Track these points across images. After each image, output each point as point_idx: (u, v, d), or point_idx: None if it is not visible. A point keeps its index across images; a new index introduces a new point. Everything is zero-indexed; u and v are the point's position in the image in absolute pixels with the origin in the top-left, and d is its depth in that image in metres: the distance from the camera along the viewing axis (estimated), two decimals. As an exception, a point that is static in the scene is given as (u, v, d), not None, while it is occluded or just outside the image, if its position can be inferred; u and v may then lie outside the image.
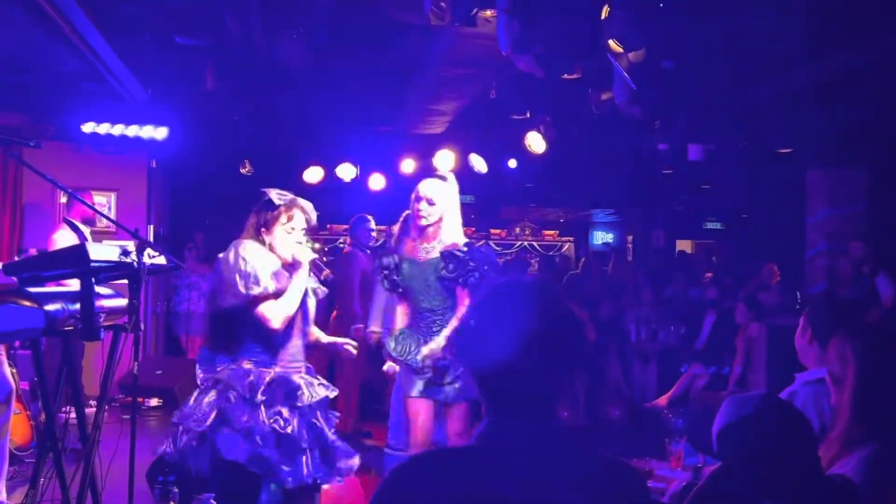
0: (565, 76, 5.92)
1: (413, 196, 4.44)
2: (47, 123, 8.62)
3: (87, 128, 8.60)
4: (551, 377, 1.64)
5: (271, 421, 3.56)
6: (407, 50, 7.28)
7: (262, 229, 3.75)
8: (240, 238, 3.76)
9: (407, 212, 4.66)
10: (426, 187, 4.40)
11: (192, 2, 6.32)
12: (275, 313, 3.63)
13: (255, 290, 3.58)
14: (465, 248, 4.36)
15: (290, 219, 3.75)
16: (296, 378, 3.73)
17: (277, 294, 3.64)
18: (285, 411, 3.61)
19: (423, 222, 4.38)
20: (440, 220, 4.39)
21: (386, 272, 4.48)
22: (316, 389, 3.76)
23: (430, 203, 4.36)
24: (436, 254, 4.39)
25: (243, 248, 3.66)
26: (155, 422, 7.84)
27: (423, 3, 5.15)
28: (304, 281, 3.72)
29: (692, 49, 5.76)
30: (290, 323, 3.72)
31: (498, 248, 16.21)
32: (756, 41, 6.13)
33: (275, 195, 3.77)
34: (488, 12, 5.37)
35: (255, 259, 3.62)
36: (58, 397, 3.98)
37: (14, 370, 5.62)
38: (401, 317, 4.56)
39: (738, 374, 7.61)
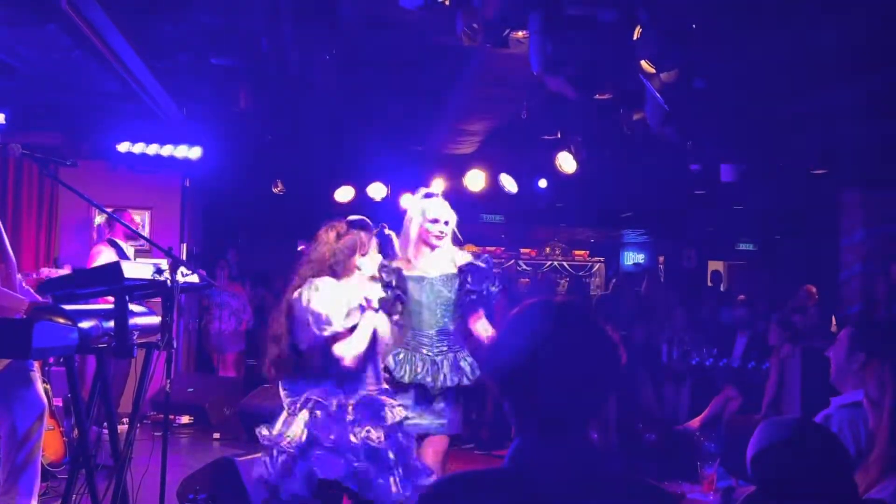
0: (597, 96, 5.90)
1: (421, 216, 4.43)
2: (83, 142, 8.74)
3: (123, 147, 8.72)
4: (583, 398, 1.63)
5: (362, 436, 3.63)
6: (439, 71, 7.31)
7: (359, 255, 3.85)
8: (310, 267, 3.81)
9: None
10: (439, 209, 4.43)
11: (229, 24, 6.40)
12: (346, 352, 3.69)
13: (328, 331, 3.64)
14: (482, 259, 4.45)
15: (372, 241, 3.93)
16: (381, 398, 3.81)
17: (351, 330, 3.70)
18: (373, 430, 3.67)
19: (441, 242, 4.40)
20: (447, 236, 4.45)
21: (393, 290, 4.28)
22: (396, 410, 3.83)
23: (447, 223, 4.41)
24: (443, 270, 4.39)
25: (316, 287, 3.72)
26: (186, 439, 7.87)
27: (455, 24, 5.17)
28: (372, 320, 3.80)
29: (724, 69, 5.73)
30: (375, 349, 3.82)
31: (527, 268, 16.19)
32: (790, 60, 6.08)
33: (363, 220, 3.93)
34: (520, 33, 5.38)
35: (327, 299, 3.68)
36: (91, 414, 4.01)
37: (48, 386, 5.69)
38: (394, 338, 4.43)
39: (771, 397, 7.50)
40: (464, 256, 4.48)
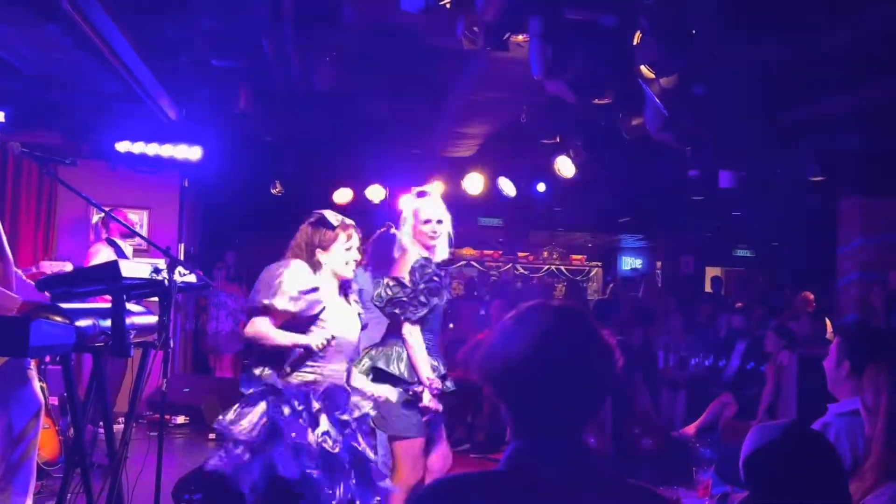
0: (596, 101, 5.91)
1: (414, 216, 4.37)
2: (82, 142, 8.75)
3: (122, 146, 8.72)
4: (579, 402, 1.63)
5: (320, 440, 3.57)
6: (439, 73, 7.32)
7: (319, 249, 3.79)
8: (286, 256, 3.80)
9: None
10: (434, 208, 4.38)
11: (230, 26, 6.40)
12: (256, 326, 3.64)
13: (263, 302, 3.61)
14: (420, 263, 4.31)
15: (348, 238, 3.84)
16: (345, 387, 3.78)
17: (294, 316, 3.65)
18: (333, 431, 3.62)
19: (436, 242, 4.36)
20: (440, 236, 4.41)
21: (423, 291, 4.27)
22: (361, 403, 3.81)
23: (440, 223, 4.36)
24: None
25: (288, 264, 3.70)
26: (181, 439, 7.86)
27: (455, 27, 5.18)
28: (299, 338, 3.66)
29: (724, 75, 5.74)
30: (337, 348, 3.75)
31: (525, 272, 16.18)
32: (789, 68, 6.10)
33: (331, 216, 3.84)
34: (520, 37, 5.39)
35: (291, 277, 3.65)
36: (87, 413, 4.01)
37: (44, 385, 5.67)
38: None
39: (767, 404, 7.51)
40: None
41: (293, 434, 3.52)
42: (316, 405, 3.61)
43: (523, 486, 1.57)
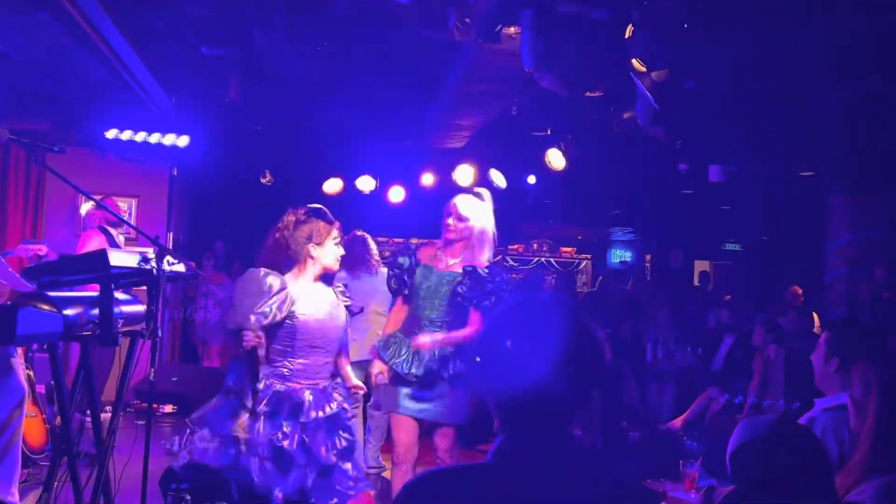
0: (588, 94, 5.92)
1: (446, 209, 4.40)
2: (71, 129, 8.70)
3: (111, 134, 8.68)
4: (568, 395, 1.63)
5: (270, 434, 3.64)
6: (430, 65, 7.31)
7: (313, 244, 3.83)
8: (269, 250, 3.86)
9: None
10: (459, 203, 4.35)
11: (219, 14, 6.37)
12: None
13: (235, 325, 3.67)
14: (488, 269, 4.28)
15: (339, 232, 3.93)
16: (306, 394, 3.77)
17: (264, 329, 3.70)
18: (287, 426, 3.66)
19: (451, 237, 4.34)
20: (469, 237, 4.33)
21: (398, 270, 4.40)
22: (329, 407, 3.80)
23: (460, 219, 4.32)
24: (456, 268, 4.34)
25: (243, 278, 3.76)
26: (169, 428, 7.84)
27: (447, 18, 5.17)
28: None
29: (715, 70, 5.75)
30: (309, 342, 3.77)
31: (515, 264, 16.20)
32: (781, 64, 6.11)
33: (322, 210, 3.90)
34: (512, 29, 5.38)
35: (246, 293, 3.69)
36: (74, 401, 4.00)
37: (31, 373, 5.65)
38: (394, 322, 4.48)
39: (754, 398, 7.54)
40: (482, 261, 4.37)
41: (230, 425, 3.65)
42: (263, 408, 3.67)
43: (511, 479, 1.58)
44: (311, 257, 3.83)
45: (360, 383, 4.15)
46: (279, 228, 3.89)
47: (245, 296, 3.66)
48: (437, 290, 4.33)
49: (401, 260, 4.42)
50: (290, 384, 3.75)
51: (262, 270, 3.73)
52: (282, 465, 3.63)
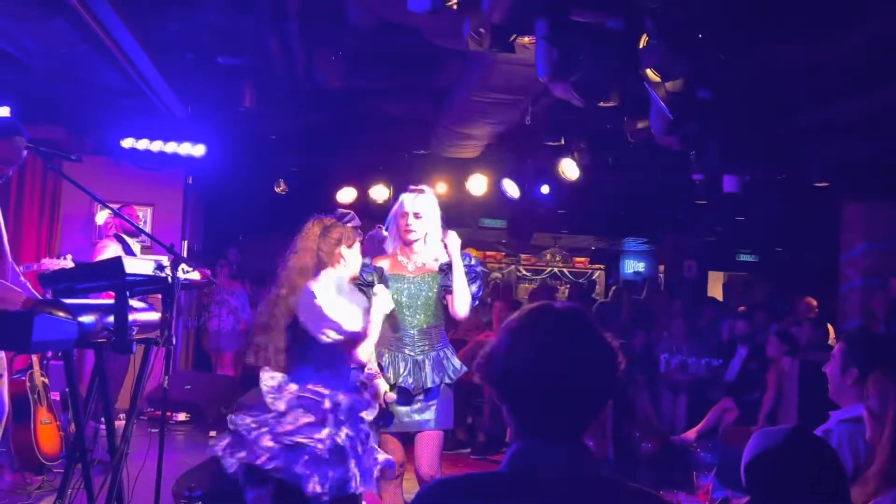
0: (601, 104, 5.90)
1: (396, 211, 4.41)
2: (87, 137, 8.76)
3: (126, 143, 8.73)
4: (581, 404, 1.63)
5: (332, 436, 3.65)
6: (444, 74, 7.32)
7: (344, 247, 3.87)
8: (297, 258, 3.85)
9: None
10: (412, 202, 4.37)
11: (235, 23, 6.41)
12: (363, 351, 3.84)
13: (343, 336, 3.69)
14: (467, 259, 4.35)
15: (356, 234, 3.97)
16: (355, 395, 3.83)
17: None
18: (347, 429, 3.69)
19: (412, 237, 4.33)
20: (426, 234, 4.36)
21: (370, 287, 4.30)
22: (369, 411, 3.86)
23: (418, 217, 4.34)
24: (422, 269, 4.33)
25: (311, 292, 3.72)
26: (182, 436, 7.86)
27: (462, 28, 5.18)
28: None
29: (730, 79, 5.73)
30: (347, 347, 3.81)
31: (527, 274, 16.19)
32: (795, 73, 6.09)
33: (350, 214, 3.97)
34: (527, 39, 5.38)
35: (326, 300, 3.69)
36: (88, 409, 4.01)
37: (46, 380, 5.68)
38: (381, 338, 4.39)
39: (768, 409, 7.50)
40: (440, 255, 4.38)
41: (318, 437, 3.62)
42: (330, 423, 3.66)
43: (524, 487, 1.57)
44: (343, 258, 3.85)
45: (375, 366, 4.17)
46: (306, 237, 3.88)
47: (326, 302, 3.70)
48: (419, 294, 4.31)
49: (369, 278, 4.31)
50: (342, 395, 3.77)
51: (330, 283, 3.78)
52: (338, 458, 3.64)
